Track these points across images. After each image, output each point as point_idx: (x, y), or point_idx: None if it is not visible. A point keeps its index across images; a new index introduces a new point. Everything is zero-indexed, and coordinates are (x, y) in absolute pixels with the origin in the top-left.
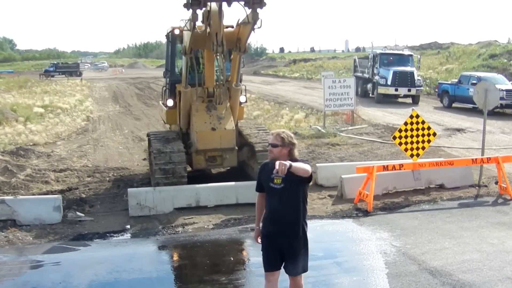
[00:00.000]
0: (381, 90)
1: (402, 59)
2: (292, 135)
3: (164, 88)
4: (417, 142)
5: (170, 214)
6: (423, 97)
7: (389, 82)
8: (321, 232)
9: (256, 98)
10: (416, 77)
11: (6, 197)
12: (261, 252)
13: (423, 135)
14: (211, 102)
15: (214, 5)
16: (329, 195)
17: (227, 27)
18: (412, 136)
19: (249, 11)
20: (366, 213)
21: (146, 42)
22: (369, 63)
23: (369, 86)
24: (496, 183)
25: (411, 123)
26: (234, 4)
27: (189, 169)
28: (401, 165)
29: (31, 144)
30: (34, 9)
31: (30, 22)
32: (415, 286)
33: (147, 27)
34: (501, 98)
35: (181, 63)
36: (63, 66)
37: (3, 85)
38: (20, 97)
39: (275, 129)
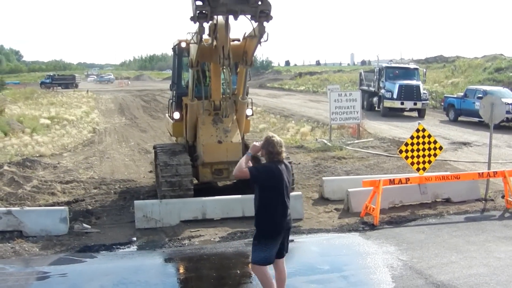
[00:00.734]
0: (387, 103)
1: (407, 73)
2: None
3: (171, 100)
4: (423, 156)
5: (176, 226)
6: (429, 110)
7: (395, 96)
8: (327, 246)
9: (262, 111)
10: (422, 91)
11: (12, 208)
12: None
13: (429, 149)
14: (217, 115)
15: (220, 19)
16: (336, 209)
17: (233, 40)
18: (418, 150)
19: (255, 24)
20: (372, 227)
21: (152, 55)
22: (375, 77)
23: (375, 99)
24: (503, 197)
25: (417, 137)
26: (241, 17)
27: (195, 181)
28: (407, 179)
29: (37, 155)
30: (41, 21)
31: (37, 34)
32: None
33: (153, 39)
34: (507, 112)
35: (187, 76)
36: (59, 78)
37: (10, 96)
38: (26, 108)
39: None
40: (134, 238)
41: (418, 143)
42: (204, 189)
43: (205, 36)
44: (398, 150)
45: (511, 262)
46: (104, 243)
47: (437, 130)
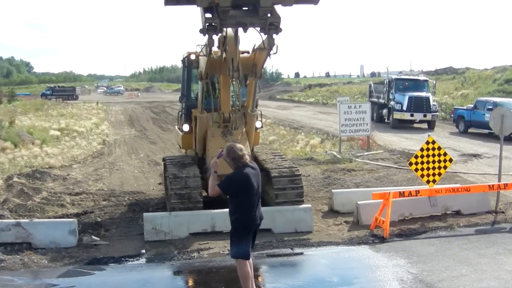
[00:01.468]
0: (397, 115)
1: (417, 84)
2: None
3: (180, 113)
4: (434, 168)
5: (185, 239)
6: (439, 122)
7: (404, 108)
8: (337, 258)
9: (271, 123)
10: (431, 103)
11: (22, 220)
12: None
13: (439, 161)
14: (227, 127)
15: (230, 31)
16: (345, 221)
17: (243, 52)
18: (428, 162)
19: (265, 37)
20: (382, 240)
21: (162, 66)
22: (385, 89)
23: (385, 111)
24: None
25: (427, 149)
26: (250, 30)
27: (204, 194)
28: (417, 191)
29: (47, 167)
30: (52, 33)
31: (47, 46)
32: None
33: (163, 51)
34: None
35: (197, 88)
36: (60, 90)
37: (20, 107)
38: (36, 119)
39: (291, 154)
40: (143, 251)
41: (428, 155)
42: (213, 202)
43: (215, 49)
44: (408, 162)
45: None
46: (113, 255)
47: (447, 142)
